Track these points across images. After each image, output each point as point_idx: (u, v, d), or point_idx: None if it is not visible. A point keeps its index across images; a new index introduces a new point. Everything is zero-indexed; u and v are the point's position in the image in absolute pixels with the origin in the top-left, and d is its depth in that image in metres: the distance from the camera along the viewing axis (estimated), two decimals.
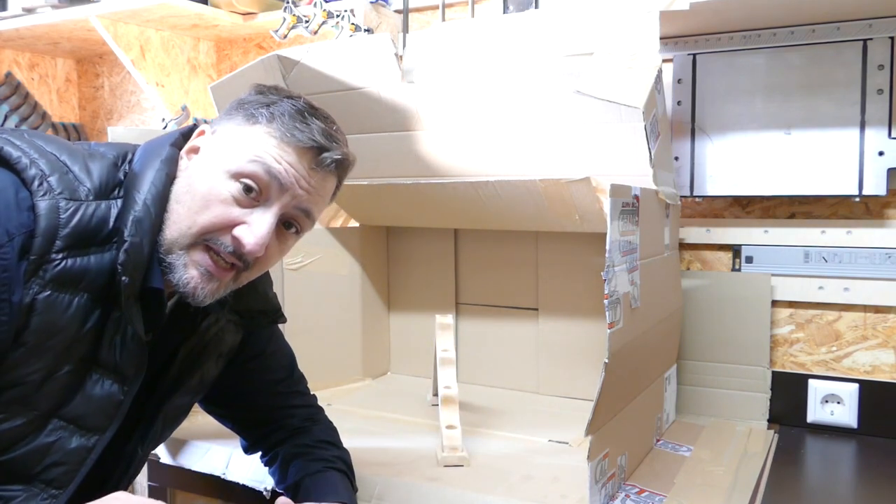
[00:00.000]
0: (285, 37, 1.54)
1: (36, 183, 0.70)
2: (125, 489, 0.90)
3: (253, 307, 0.96)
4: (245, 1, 1.69)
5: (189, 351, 0.90)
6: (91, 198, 0.74)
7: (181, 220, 0.77)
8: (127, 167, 0.79)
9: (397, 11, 1.58)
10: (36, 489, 0.76)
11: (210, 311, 0.88)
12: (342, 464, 0.98)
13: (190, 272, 0.77)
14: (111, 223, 0.74)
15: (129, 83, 2.13)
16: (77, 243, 0.72)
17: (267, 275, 0.99)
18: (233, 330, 0.95)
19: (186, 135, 0.85)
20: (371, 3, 1.50)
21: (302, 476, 0.94)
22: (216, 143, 0.81)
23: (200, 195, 0.78)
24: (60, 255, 0.70)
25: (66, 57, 2.20)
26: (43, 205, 0.70)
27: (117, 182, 0.77)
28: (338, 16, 1.48)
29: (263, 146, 0.79)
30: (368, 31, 1.47)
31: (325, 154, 0.81)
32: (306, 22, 1.51)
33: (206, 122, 0.90)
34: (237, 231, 0.77)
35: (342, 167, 0.85)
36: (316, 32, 1.51)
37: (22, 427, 0.73)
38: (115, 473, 0.87)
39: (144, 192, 0.76)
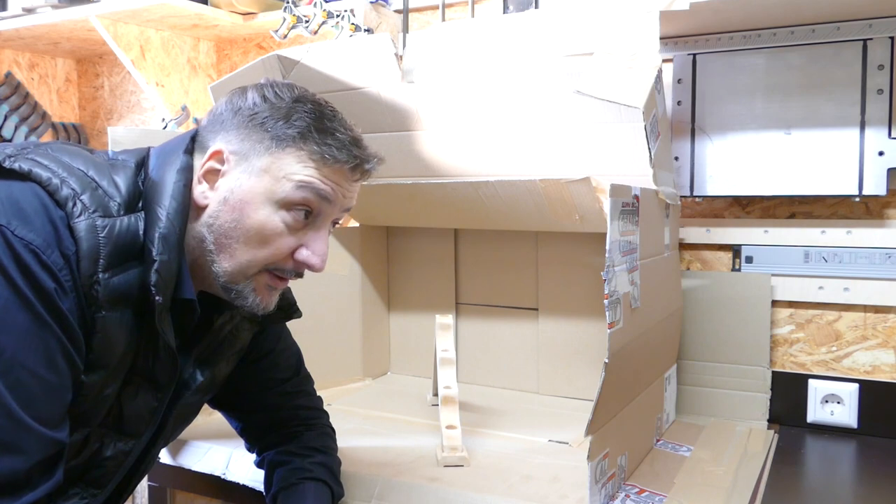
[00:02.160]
0: (285, 37, 1.54)
1: (70, 204, 0.71)
2: (136, 485, 0.94)
3: None
4: (245, 1, 1.69)
5: (204, 349, 0.90)
6: (122, 213, 0.74)
7: (238, 254, 0.79)
8: (143, 175, 0.79)
9: (397, 11, 1.58)
10: (79, 489, 0.81)
11: (224, 309, 0.90)
12: (323, 471, 0.98)
13: (260, 295, 0.82)
14: (141, 235, 0.75)
15: (129, 83, 2.13)
16: (117, 261, 0.73)
17: None
18: (247, 328, 0.96)
19: (195, 137, 0.85)
20: (371, 3, 1.50)
21: (279, 488, 0.96)
22: (248, 171, 0.79)
23: (254, 231, 0.79)
24: (107, 275, 0.72)
25: (66, 57, 2.20)
26: (82, 226, 0.70)
27: (139, 192, 0.77)
28: (338, 16, 1.48)
29: (305, 170, 0.79)
30: (368, 31, 1.47)
31: (366, 167, 0.84)
32: (306, 22, 1.51)
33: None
34: (299, 256, 0.81)
35: (374, 170, 0.87)
36: (316, 32, 1.51)
37: (82, 441, 0.78)
38: (140, 471, 0.90)
39: (166, 206, 0.76)
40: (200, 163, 0.80)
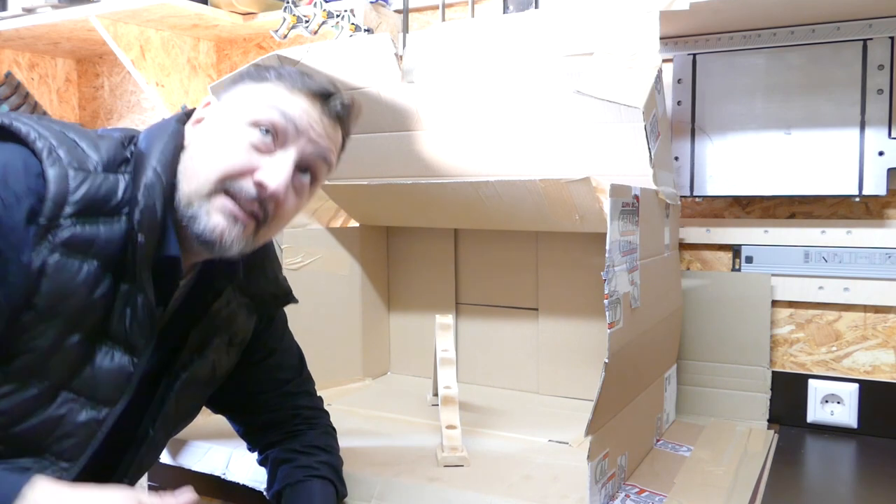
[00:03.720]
0: (285, 37, 1.54)
1: (45, 153, 0.71)
2: (140, 474, 0.92)
3: (264, 289, 0.97)
4: (245, 1, 1.69)
5: (200, 332, 0.89)
6: (100, 170, 0.75)
7: (199, 171, 0.79)
8: (133, 147, 0.80)
9: (397, 11, 1.58)
10: (46, 462, 0.76)
11: (221, 292, 0.89)
12: (328, 470, 0.98)
13: (214, 218, 0.78)
14: (119, 195, 0.75)
15: (129, 83, 2.13)
16: (86, 210, 0.72)
17: (276, 259, 1.01)
18: (244, 314, 0.95)
19: (190, 113, 0.87)
20: (371, 3, 1.50)
21: (284, 485, 0.95)
22: (226, 103, 0.85)
23: (218, 144, 0.80)
24: (70, 221, 0.71)
25: (66, 57, 2.20)
26: (52, 172, 0.71)
27: (124, 159, 0.78)
28: (338, 16, 1.48)
29: (276, 95, 0.82)
30: (368, 31, 1.47)
31: (334, 99, 0.85)
32: (306, 22, 1.51)
33: None
34: (258, 175, 0.79)
35: (349, 114, 0.88)
36: (316, 32, 1.51)
37: (34, 399, 0.74)
38: (128, 454, 0.87)
39: (154, 161, 0.77)
40: (194, 118, 0.85)
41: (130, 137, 0.81)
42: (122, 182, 0.76)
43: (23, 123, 0.73)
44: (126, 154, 0.79)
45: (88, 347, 0.76)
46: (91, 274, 0.73)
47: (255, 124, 0.80)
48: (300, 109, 0.82)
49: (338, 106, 0.85)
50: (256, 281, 0.95)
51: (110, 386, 0.79)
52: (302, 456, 0.98)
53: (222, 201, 0.78)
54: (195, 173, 0.79)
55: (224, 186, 0.78)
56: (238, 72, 0.88)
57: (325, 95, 0.84)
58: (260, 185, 0.78)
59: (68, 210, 0.71)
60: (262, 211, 0.80)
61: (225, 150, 0.79)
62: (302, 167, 0.84)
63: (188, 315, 0.88)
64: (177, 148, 0.80)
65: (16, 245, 0.69)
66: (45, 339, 0.72)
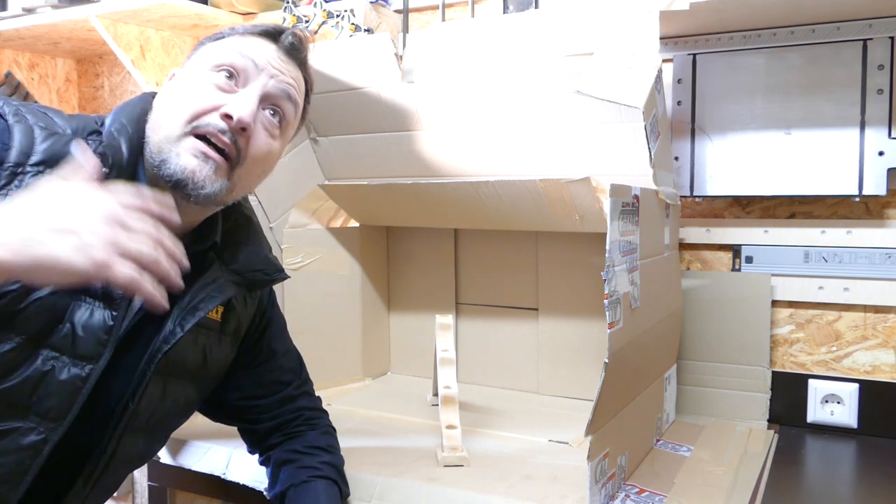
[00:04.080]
0: None
1: (11, 115, 0.75)
2: (126, 461, 0.89)
3: (253, 265, 0.95)
4: (245, 1, 1.69)
5: (183, 306, 0.86)
6: (68, 132, 0.78)
7: (166, 117, 0.82)
8: (100, 123, 0.83)
9: (397, 11, 1.58)
10: (32, 423, 0.76)
11: (207, 268, 0.88)
12: (331, 470, 0.98)
13: (185, 159, 0.80)
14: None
15: (129, 83, 2.13)
16: (53, 162, 0.74)
17: (264, 237, 1.00)
18: (232, 290, 0.92)
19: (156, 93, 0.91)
20: (371, 3, 1.50)
21: (288, 486, 0.95)
22: (188, 65, 0.88)
23: (184, 91, 0.83)
24: (35, 168, 0.73)
25: (66, 57, 2.20)
26: (18, 127, 0.74)
27: (94, 130, 0.81)
28: (338, 16, 1.48)
29: (232, 41, 0.87)
30: (368, 31, 1.47)
31: (284, 34, 0.89)
32: (306, 22, 1.51)
33: None
34: (225, 108, 0.81)
35: (303, 47, 0.91)
36: (316, 32, 1.51)
37: (12, 355, 0.74)
38: (108, 428, 0.84)
39: (120, 117, 0.82)
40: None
41: (101, 119, 0.84)
42: (91, 146, 0.78)
43: None
44: (96, 127, 0.82)
45: (64, 301, 0.76)
46: None
47: (217, 68, 0.84)
48: (256, 47, 0.86)
49: (290, 38, 0.89)
50: (244, 257, 0.94)
51: (91, 341, 0.78)
52: (304, 456, 0.98)
53: (192, 142, 0.80)
54: (163, 122, 0.82)
55: (192, 128, 0.81)
56: (199, 41, 0.91)
57: (276, 33, 0.88)
58: (227, 116, 0.81)
59: (34, 158, 0.73)
60: (234, 147, 0.82)
61: (190, 93, 0.83)
62: (268, 105, 0.86)
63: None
64: (143, 110, 0.84)
65: None
66: (16, 284, 0.72)
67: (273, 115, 0.86)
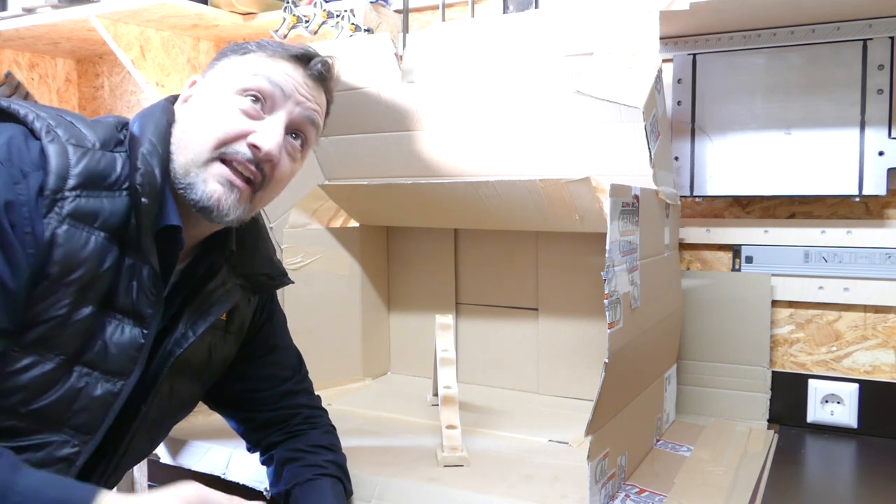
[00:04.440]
0: (285, 37, 1.54)
1: (44, 131, 0.75)
2: (135, 457, 0.93)
3: (258, 269, 0.98)
4: (245, 1, 1.69)
5: (194, 309, 0.89)
6: (97, 147, 0.78)
7: (193, 141, 0.82)
8: (125, 132, 0.83)
9: (397, 11, 1.58)
10: (66, 436, 0.79)
11: (216, 272, 0.91)
12: (335, 468, 0.98)
13: (211, 186, 0.81)
14: (118, 170, 0.78)
15: (129, 83, 2.13)
16: (88, 183, 0.75)
17: (269, 240, 1.02)
18: (239, 294, 0.95)
19: (177, 96, 0.90)
20: (371, 3, 1.50)
21: (293, 484, 0.95)
22: (212, 78, 0.87)
23: (210, 114, 0.83)
24: (73, 193, 0.74)
25: (66, 57, 2.20)
26: (52, 147, 0.74)
27: (119, 140, 0.81)
28: (338, 16, 1.48)
29: (260, 63, 0.86)
30: (368, 31, 1.47)
31: (314, 61, 0.88)
32: (306, 22, 1.51)
33: None
34: (252, 138, 0.82)
35: (330, 75, 0.91)
36: (316, 32, 1.51)
37: (52, 373, 0.76)
38: (131, 429, 0.88)
39: (149, 134, 0.81)
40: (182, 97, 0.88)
41: (123, 123, 0.85)
42: (120, 159, 0.79)
43: (21, 106, 0.76)
44: (120, 136, 0.82)
45: (99, 320, 0.79)
46: (99, 245, 0.76)
47: (244, 92, 0.84)
48: (284, 74, 0.86)
49: (318, 66, 0.88)
50: (251, 261, 0.97)
51: (123, 358, 0.81)
52: (308, 455, 0.98)
53: (219, 168, 0.81)
54: (189, 144, 0.82)
55: (219, 153, 0.81)
56: (221, 51, 0.90)
57: (305, 58, 0.88)
58: (254, 147, 0.82)
59: (71, 182, 0.74)
60: (260, 173, 0.83)
61: (217, 118, 0.83)
62: (292, 130, 0.87)
63: (184, 294, 0.89)
64: (168, 123, 0.84)
65: (28, 218, 0.72)
66: (59, 308, 0.74)
67: (295, 138, 0.88)
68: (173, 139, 0.83)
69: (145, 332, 0.82)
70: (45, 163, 0.73)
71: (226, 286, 0.92)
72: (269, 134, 0.83)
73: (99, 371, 0.80)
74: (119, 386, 0.81)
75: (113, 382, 0.81)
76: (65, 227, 0.73)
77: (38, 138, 0.74)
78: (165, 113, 0.85)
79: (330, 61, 0.90)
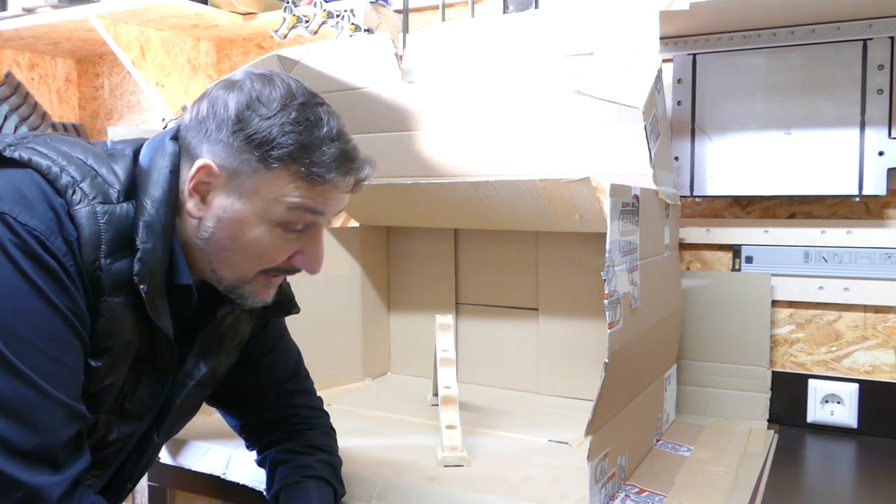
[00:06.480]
0: (285, 37, 1.54)
1: (70, 191, 0.72)
2: (142, 476, 0.95)
3: None
4: (245, 1, 1.69)
5: (206, 340, 0.90)
6: (121, 199, 0.76)
7: (237, 266, 0.81)
8: (139, 167, 0.81)
9: (397, 11, 1.58)
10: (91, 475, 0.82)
11: (226, 302, 0.90)
12: (326, 469, 0.98)
13: (259, 295, 0.85)
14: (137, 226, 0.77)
15: (129, 83, 2.13)
16: (116, 247, 0.74)
17: None
18: (247, 320, 0.97)
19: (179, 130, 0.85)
20: (371, 3, 1.50)
21: (282, 485, 0.96)
22: (238, 192, 0.78)
23: (251, 248, 0.80)
24: (109, 260, 0.73)
25: (66, 57, 2.20)
26: (83, 213, 0.72)
27: (134, 178, 0.79)
28: (338, 16, 1.48)
29: (295, 192, 0.78)
30: (368, 31, 1.47)
31: (358, 177, 0.84)
32: (306, 22, 1.51)
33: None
34: (296, 262, 0.84)
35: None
36: (316, 32, 1.51)
37: (90, 426, 0.78)
38: (132, 459, 0.90)
39: (151, 195, 0.76)
40: (189, 174, 0.78)
41: (138, 151, 0.81)
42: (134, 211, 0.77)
43: (42, 157, 0.73)
44: (132, 175, 0.79)
45: (132, 375, 0.81)
46: (126, 308, 0.76)
47: (282, 226, 0.80)
48: (323, 200, 0.80)
49: (357, 181, 0.84)
50: None
51: (141, 404, 0.84)
52: (300, 456, 0.99)
53: (264, 279, 0.84)
54: (234, 265, 0.81)
55: (262, 270, 0.83)
56: (236, 125, 0.77)
57: (346, 181, 0.82)
58: (298, 268, 0.85)
59: (104, 249, 0.73)
60: (297, 270, 0.87)
61: (258, 253, 0.80)
62: None
63: (193, 319, 0.89)
64: (173, 175, 0.78)
65: (79, 297, 0.71)
66: (99, 372, 0.76)
67: None
68: (217, 250, 0.80)
69: (161, 379, 0.85)
70: (76, 232, 0.71)
71: (234, 314, 0.93)
72: (313, 258, 0.84)
73: (117, 416, 0.82)
74: (134, 428, 0.85)
75: (129, 425, 0.84)
76: (105, 297, 0.73)
77: (64, 199, 0.71)
78: (171, 159, 0.79)
79: (371, 171, 0.85)
